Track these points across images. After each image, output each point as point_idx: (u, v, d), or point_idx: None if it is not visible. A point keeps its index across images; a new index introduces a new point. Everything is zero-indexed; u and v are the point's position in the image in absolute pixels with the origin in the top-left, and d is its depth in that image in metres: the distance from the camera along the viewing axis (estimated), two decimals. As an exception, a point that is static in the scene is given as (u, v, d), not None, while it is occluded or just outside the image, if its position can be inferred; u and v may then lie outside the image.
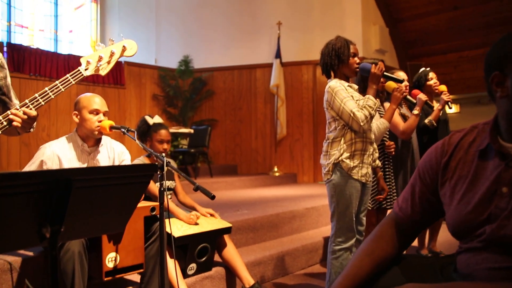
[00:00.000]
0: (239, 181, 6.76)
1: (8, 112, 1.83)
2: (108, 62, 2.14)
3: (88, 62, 2.09)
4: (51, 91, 1.91)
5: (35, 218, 1.30)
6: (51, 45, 7.94)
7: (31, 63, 6.39)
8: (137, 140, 2.31)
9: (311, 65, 7.78)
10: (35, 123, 1.96)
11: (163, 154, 2.23)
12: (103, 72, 2.14)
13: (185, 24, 8.55)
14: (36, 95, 1.89)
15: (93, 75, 2.16)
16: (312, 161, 7.76)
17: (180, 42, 8.52)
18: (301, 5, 7.94)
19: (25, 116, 1.82)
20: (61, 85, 1.95)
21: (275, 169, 7.82)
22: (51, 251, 1.36)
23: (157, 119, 3.23)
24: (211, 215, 3.12)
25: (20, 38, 7.52)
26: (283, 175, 7.70)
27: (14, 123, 1.80)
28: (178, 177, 3.33)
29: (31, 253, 2.44)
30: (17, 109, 1.82)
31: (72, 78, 1.98)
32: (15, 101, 2.14)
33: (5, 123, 1.82)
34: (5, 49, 6.21)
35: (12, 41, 7.09)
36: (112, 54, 2.15)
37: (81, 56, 2.18)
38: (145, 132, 3.14)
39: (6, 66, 2.05)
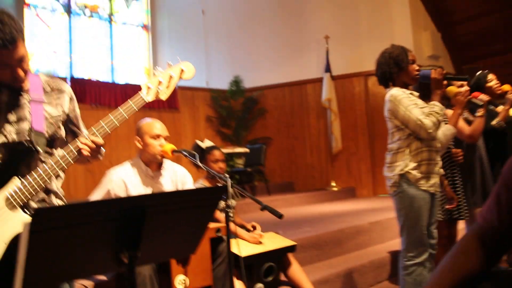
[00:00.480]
0: (297, 198, 6.70)
1: (77, 140, 1.89)
2: (168, 87, 2.16)
3: (148, 87, 2.12)
4: (115, 118, 1.95)
5: (113, 244, 1.33)
6: (108, 75, 8.31)
7: (91, 94, 6.75)
8: (199, 162, 2.33)
9: (362, 76, 7.65)
10: (103, 151, 2.02)
11: (226, 175, 2.24)
12: (163, 96, 2.16)
13: (233, 45, 8.70)
14: (101, 122, 1.94)
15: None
16: (370, 174, 7.57)
17: (229, 63, 8.66)
18: (348, 16, 7.87)
19: (94, 145, 1.88)
20: (124, 111, 1.98)
21: (333, 184, 7.69)
22: (129, 276, 1.38)
23: (208, 142, 3.29)
24: (254, 227, 3.09)
25: (80, 71, 7.93)
26: (341, 189, 7.56)
27: (84, 152, 1.86)
28: (237, 197, 3.34)
29: (104, 278, 2.51)
30: (86, 138, 1.88)
31: (133, 104, 2.01)
32: (84, 131, 2.22)
33: (75, 152, 1.88)
34: (69, 83, 6.56)
35: (74, 75, 7.49)
36: (170, 77, 2.17)
37: (137, 85, 2.22)
38: (200, 156, 3.16)
39: (74, 97, 2.13)
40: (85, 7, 8.21)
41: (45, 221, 1.16)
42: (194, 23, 8.92)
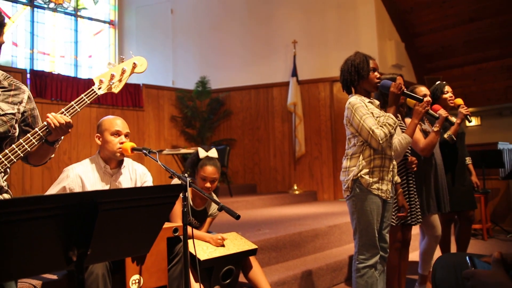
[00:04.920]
0: (259, 200, 6.72)
1: (44, 123, 1.92)
2: (120, 80, 2.17)
3: (100, 81, 2.12)
4: (67, 112, 1.95)
5: (61, 241, 1.30)
6: (72, 71, 8.13)
7: (53, 89, 6.53)
8: (159, 162, 2.31)
9: (328, 82, 7.77)
10: (64, 134, 2.02)
11: (186, 174, 2.22)
12: (115, 89, 2.17)
13: (201, 45, 8.67)
14: (53, 113, 1.96)
15: (112, 98, 2.19)
16: (331, 178, 7.69)
17: (196, 64, 8.62)
18: (316, 23, 7.98)
19: (62, 120, 1.91)
20: (77, 105, 1.99)
21: (295, 187, 7.77)
22: (78, 275, 1.35)
23: (212, 153, 3.00)
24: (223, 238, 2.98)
25: (42, 65, 7.72)
26: (303, 193, 7.64)
27: (52, 125, 1.89)
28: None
29: (55, 277, 2.44)
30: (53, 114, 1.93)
31: (86, 97, 2.03)
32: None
33: (41, 134, 1.89)
34: (28, 75, 6.36)
35: (35, 68, 7.27)
36: (123, 71, 2.18)
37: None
38: (194, 165, 2.98)
39: (32, 98, 2.11)
40: (49, 0, 8.00)
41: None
42: (162, 22, 8.84)
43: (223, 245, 2.92)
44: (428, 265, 3.50)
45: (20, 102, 2.00)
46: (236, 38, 8.48)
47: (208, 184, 2.90)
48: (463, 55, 8.44)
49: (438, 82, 3.85)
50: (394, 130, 2.58)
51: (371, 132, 2.52)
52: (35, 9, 7.74)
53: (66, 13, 8.19)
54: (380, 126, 2.55)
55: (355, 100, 2.63)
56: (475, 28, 7.93)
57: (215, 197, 2.95)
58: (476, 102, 8.60)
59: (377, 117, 2.60)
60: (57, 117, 1.90)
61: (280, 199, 7.07)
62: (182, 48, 8.77)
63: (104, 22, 8.79)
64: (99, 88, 2.09)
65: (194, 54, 8.71)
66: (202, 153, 2.97)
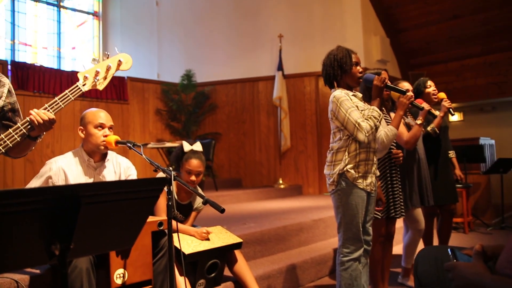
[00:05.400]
0: (244, 194, 6.73)
1: (27, 118, 1.90)
2: (105, 77, 2.16)
3: (85, 78, 2.10)
4: (50, 107, 1.93)
5: (43, 235, 1.28)
6: (54, 62, 8.00)
7: (35, 81, 6.42)
8: (143, 155, 2.29)
9: (313, 76, 7.79)
10: (47, 129, 1.99)
11: (171, 168, 2.21)
12: (100, 86, 2.15)
13: (186, 38, 8.61)
14: (36, 109, 1.94)
15: (96, 91, 2.19)
16: (317, 172, 7.73)
17: (182, 57, 8.56)
18: (302, 17, 7.98)
19: (45, 117, 1.89)
20: (61, 101, 1.97)
21: (280, 181, 7.79)
22: (61, 269, 1.33)
23: (196, 146, 2.99)
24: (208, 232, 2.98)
25: (24, 56, 7.58)
26: (288, 187, 7.67)
27: (35, 122, 1.87)
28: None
29: (37, 271, 2.41)
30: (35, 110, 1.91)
31: (71, 94, 2.01)
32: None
33: (24, 130, 1.86)
34: (9, 67, 6.25)
35: (16, 59, 7.14)
36: (108, 68, 2.16)
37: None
38: (179, 159, 2.96)
39: (13, 91, 2.08)
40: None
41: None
42: (147, 14, 8.75)
43: (208, 239, 2.92)
44: (411, 258, 3.55)
45: (1, 96, 1.97)
46: (222, 31, 8.44)
47: (193, 177, 2.90)
48: (447, 51, 8.53)
49: (421, 77, 3.90)
50: (379, 123, 2.59)
51: (357, 125, 2.53)
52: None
53: (48, 3, 8.04)
54: (365, 119, 2.56)
55: (340, 93, 2.63)
56: (458, 25, 8.02)
57: (200, 190, 2.94)
58: (459, 98, 8.71)
59: (361, 110, 2.61)
60: (40, 114, 1.88)
61: (265, 193, 7.08)
62: (168, 40, 8.69)
63: (88, 13, 8.66)
64: (83, 85, 2.07)
65: (180, 47, 8.64)
66: (186, 146, 2.96)
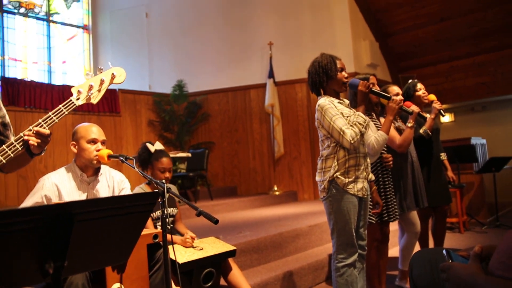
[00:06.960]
0: (240, 202, 6.72)
1: (21, 134, 1.88)
2: (99, 91, 2.16)
3: (79, 92, 2.11)
4: (44, 122, 1.93)
5: (37, 254, 1.28)
6: (45, 77, 7.99)
7: (26, 96, 6.40)
8: (136, 168, 2.29)
9: (305, 83, 7.81)
10: (45, 145, 1.99)
11: (163, 181, 2.21)
12: (94, 100, 2.16)
13: (177, 49, 8.63)
14: (30, 127, 1.93)
15: (88, 104, 2.19)
16: (311, 178, 7.75)
17: (173, 67, 8.57)
18: (291, 24, 8.04)
19: (40, 136, 1.89)
20: (55, 115, 1.97)
21: (275, 188, 7.80)
22: (56, 287, 1.33)
23: (158, 145, 3.19)
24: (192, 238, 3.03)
25: (14, 72, 7.57)
26: (283, 193, 7.67)
27: (31, 142, 1.85)
28: (178, 203, 3.31)
29: (33, 289, 2.40)
30: (29, 130, 1.89)
31: (64, 108, 2.01)
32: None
33: (17, 146, 1.86)
34: (-1, 82, 6.23)
35: (6, 75, 7.12)
36: (102, 82, 2.17)
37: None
38: (146, 160, 3.12)
39: (2, 106, 2.08)
40: (20, 5, 7.85)
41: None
42: (137, 26, 8.77)
43: (194, 247, 2.94)
44: (408, 260, 3.56)
45: None
46: (211, 41, 8.47)
47: (167, 174, 3.06)
48: (436, 54, 8.62)
49: (410, 80, 3.94)
50: (364, 129, 2.60)
51: (341, 132, 2.55)
52: (5, 14, 7.57)
53: (38, 18, 8.04)
54: (351, 125, 2.57)
55: (324, 101, 2.65)
56: (446, 27, 8.10)
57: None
58: (449, 99, 8.79)
59: (347, 117, 2.63)
60: (32, 136, 1.87)
61: (260, 200, 7.08)
62: (158, 52, 8.71)
63: (78, 27, 8.66)
64: (77, 99, 2.08)
65: (171, 58, 8.66)
66: (151, 147, 3.13)
